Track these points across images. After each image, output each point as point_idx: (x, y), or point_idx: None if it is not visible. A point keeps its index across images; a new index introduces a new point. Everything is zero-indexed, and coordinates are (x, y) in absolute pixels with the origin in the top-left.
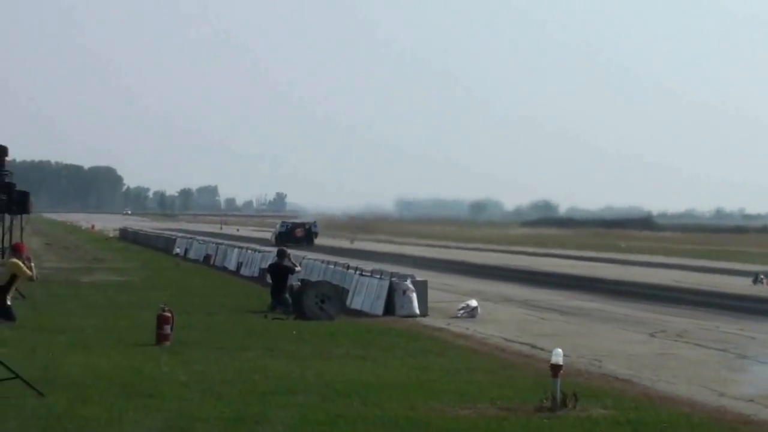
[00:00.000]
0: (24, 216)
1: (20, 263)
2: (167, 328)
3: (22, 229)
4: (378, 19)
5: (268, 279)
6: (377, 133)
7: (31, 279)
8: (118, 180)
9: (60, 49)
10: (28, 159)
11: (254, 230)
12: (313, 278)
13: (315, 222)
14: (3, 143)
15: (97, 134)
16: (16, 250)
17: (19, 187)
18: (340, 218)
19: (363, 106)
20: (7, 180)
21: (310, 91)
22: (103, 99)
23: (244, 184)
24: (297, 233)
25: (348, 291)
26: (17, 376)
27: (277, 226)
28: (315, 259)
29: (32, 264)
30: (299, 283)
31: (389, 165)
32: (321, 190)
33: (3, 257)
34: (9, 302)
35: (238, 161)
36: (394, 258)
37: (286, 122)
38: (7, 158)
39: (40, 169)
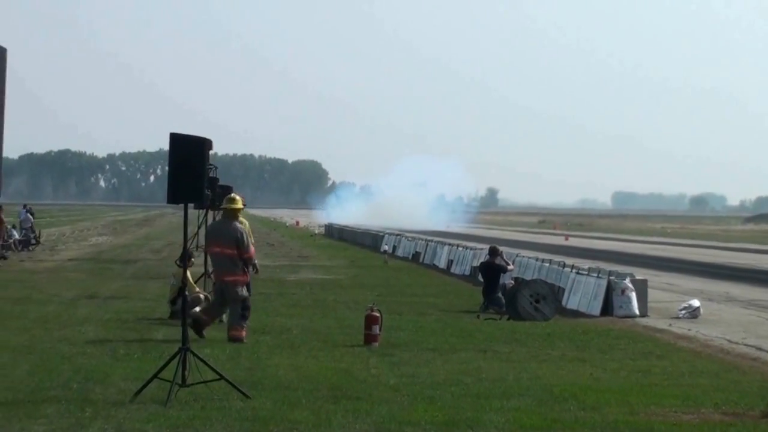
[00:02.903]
0: None
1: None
2: (375, 329)
3: None
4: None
5: (480, 278)
6: (590, 123)
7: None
8: (323, 174)
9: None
10: (230, 153)
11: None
12: (527, 277)
13: None
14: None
15: (300, 129)
16: None
17: (222, 182)
18: (553, 213)
19: (575, 95)
20: (211, 175)
21: (510, 79)
22: (304, 95)
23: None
24: None
25: (563, 290)
26: (222, 378)
27: None
28: (529, 257)
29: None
30: (513, 282)
31: (605, 157)
32: (533, 184)
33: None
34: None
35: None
36: (612, 255)
37: (490, 115)
38: (211, 152)
39: (242, 163)
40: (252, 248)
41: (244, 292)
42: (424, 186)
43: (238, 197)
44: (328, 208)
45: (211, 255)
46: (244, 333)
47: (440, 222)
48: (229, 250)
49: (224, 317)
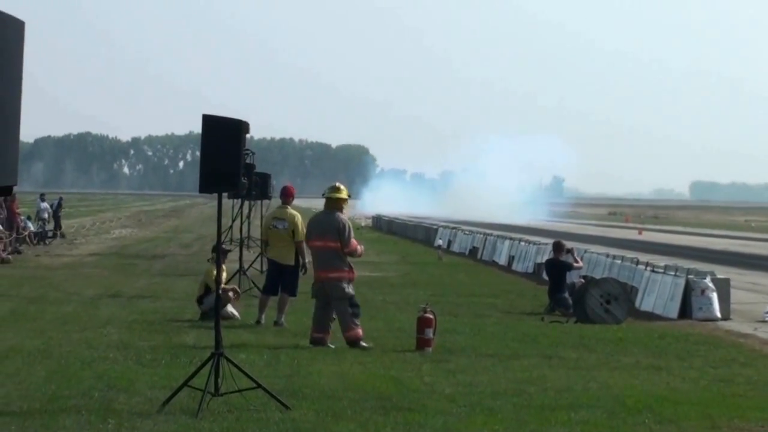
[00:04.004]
0: (265, 202)
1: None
2: (429, 332)
3: (262, 218)
4: None
5: (545, 276)
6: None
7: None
8: (370, 160)
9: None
10: (268, 137)
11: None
12: (597, 275)
13: None
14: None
15: (345, 113)
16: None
17: (259, 169)
18: (625, 204)
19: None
20: (248, 161)
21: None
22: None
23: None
24: None
25: (637, 290)
26: (259, 386)
27: None
28: (599, 253)
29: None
30: (581, 281)
31: (683, 144)
32: (604, 173)
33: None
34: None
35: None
36: (690, 251)
37: (555, 98)
38: (247, 135)
39: (280, 148)
40: (354, 242)
41: (350, 289)
42: (519, 168)
43: (342, 186)
44: (371, 194)
45: (312, 250)
46: (360, 331)
47: (535, 213)
48: (332, 244)
49: (263, 318)
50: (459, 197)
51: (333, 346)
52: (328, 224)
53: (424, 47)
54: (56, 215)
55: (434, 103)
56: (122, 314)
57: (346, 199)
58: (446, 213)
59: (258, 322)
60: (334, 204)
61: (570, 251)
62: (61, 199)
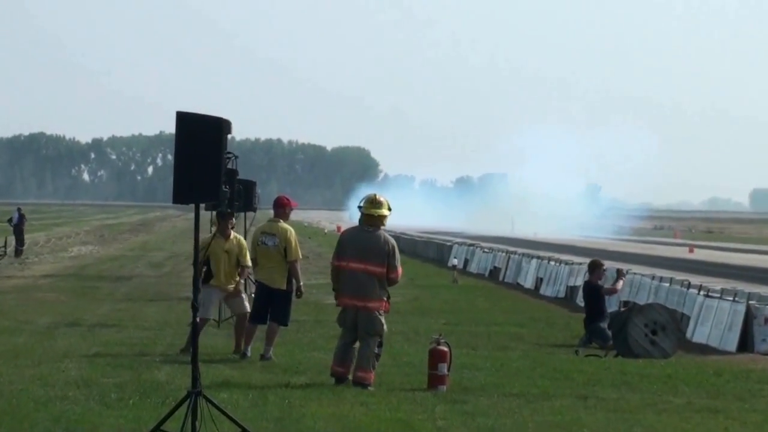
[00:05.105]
0: (249, 214)
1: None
2: (443, 368)
3: (246, 233)
4: None
5: (580, 301)
6: (721, 106)
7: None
8: (372, 165)
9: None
10: (252, 137)
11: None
12: (641, 301)
13: None
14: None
15: (339, 110)
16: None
17: (242, 175)
18: (673, 217)
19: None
20: (229, 166)
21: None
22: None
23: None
24: None
25: (688, 318)
26: (244, 431)
27: None
28: (642, 275)
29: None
30: (623, 308)
31: (742, 147)
32: (645, 180)
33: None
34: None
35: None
36: (751, 272)
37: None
38: (229, 136)
39: (266, 150)
40: (400, 268)
41: (385, 325)
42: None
43: (382, 199)
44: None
45: (344, 271)
46: (373, 377)
47: (603, 226)
48: (376, 268)
49: (249, 351)
50: (498, 208)
51: (372, 389)
52: (372, 245)
53: (428, 37)
54: (18, 229)
55: (445, 99)
56: (82, 346)
57: (386, 216)
58: (486, 228)
59: (243, 355)
60: (376, 220)
61: (620, 273)
62: (20, 209)
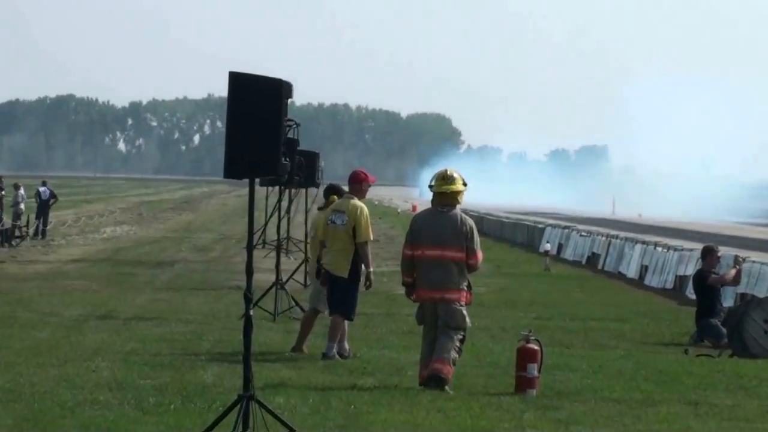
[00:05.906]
0: (311, 190)
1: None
2: (533, 369)
3: (307, 211)
4: None
5: (690, 293)
6: None
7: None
8: (453, 134)
9: None
10: (315, 102)
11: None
12: (760, 293)
13: None
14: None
15: (415, 74)
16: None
17: (303, 146)
18: None
19: None
20: (290, 135)
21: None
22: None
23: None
24: None
25: None
26: None
27: None
28: (762, 263)
29: None
30: (740, 301)
31: None
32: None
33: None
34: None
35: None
36: None
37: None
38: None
39: (331, 117)
40: (480, 252)
41: (468, 318)
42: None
43: (455, 173)
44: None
45: (420, 261)
46: (451, 371)
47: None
48: (454, 253)
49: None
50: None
51: (451, 392)
52: (448, 227)
53: None
54: (44, 207)
55: (535, 61)
56: (116, 342)
57: (462, 191)
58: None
59: (298, 351)
60: (450, 199)
61: (737, 261)
62: (45, 183)
